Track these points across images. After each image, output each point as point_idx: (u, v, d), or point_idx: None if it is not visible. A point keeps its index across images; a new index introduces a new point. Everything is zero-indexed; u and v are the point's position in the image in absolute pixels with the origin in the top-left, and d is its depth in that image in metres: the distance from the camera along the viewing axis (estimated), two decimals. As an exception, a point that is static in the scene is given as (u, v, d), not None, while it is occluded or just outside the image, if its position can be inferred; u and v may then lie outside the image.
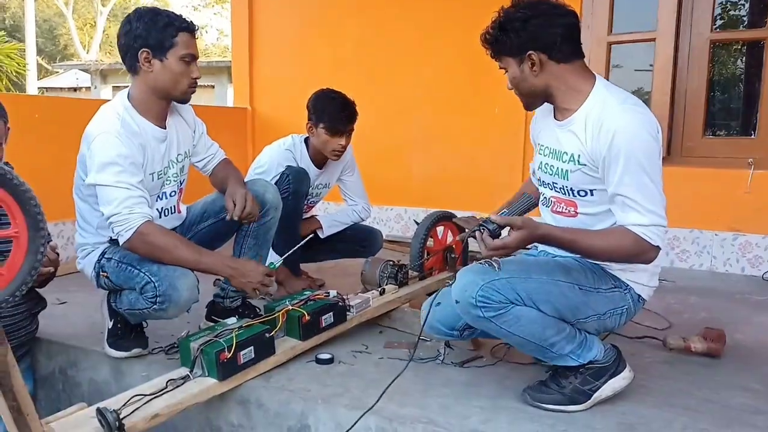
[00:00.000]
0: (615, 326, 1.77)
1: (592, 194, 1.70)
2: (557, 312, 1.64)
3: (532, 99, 1.76)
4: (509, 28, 1.66)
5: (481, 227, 1.56)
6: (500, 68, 1.77)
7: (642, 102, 1.68)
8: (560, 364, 1.70)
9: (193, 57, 1.98)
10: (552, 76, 1.68)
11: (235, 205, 2.05)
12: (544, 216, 1.85)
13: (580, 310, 1.67)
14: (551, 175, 1.78)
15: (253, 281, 1.95)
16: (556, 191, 1.79)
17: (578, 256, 1.68)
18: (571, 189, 1.74)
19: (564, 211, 1.77)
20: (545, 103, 1.82)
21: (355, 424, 1.62)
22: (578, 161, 1.68)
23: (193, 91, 2.05)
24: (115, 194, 1.85)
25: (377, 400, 1.64)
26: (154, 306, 1.84)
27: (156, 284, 1.83)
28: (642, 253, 1.58)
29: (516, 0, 1.70)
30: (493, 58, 1.75)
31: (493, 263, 1.59)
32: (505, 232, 1.57)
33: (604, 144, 1.59)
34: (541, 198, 1.88)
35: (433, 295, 1.95)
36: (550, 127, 1.80)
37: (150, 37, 1.92)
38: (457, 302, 1.64)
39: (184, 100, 2.07)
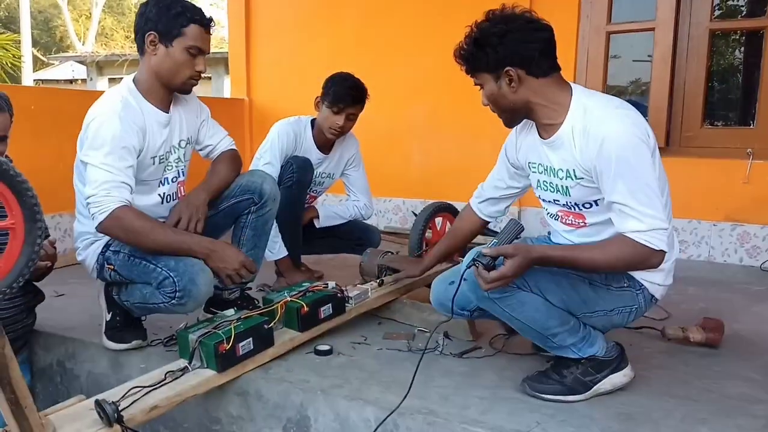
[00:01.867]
0: (622, 324, 1.77)
1: (596, 204, 1.67)
2: (564, 303, 1.64)
3: (511, 115, 1.72)
4: (485, 43, 1.62)
5: (475, 262, 1.53)
6: (476, 84, 1.73)
7: (626, 103, 1.64)
8: (560, 354, 1.70)
9: (200, 51, 1.99)
10: (531, 92, 1.64)
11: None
12: (556, 229, 1.83)
13: (587, 304, 1.67)
14: (552, 192, 1.76)
15: (228, 267, 1.92)
16: (560, 206, 1.77)
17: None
18: (575, 204, 1.71)
19: (573, 223, 1.76)
20: (517, 131, 1.83)
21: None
22: (575, 176, 1.65)
23: (195, 84, 2.06)
24: (97, 175, 1.85)
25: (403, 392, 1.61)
26: (173, 301, 1.84)
27: (175, 279, 1.83)
28: (645, 259, 1.55)
29: (490, 13, 1.65)
30: (469, 74, 1.72)
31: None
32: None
33: (593, 152, 1.56)
34: (546, 214, 1.86)
35: (444, 273, 1.94)
36: (536, 145, 1.76)
37: (159, 22, 1.93)
38: (465, 279, 1.61)
39: (184, 91, 2.07)
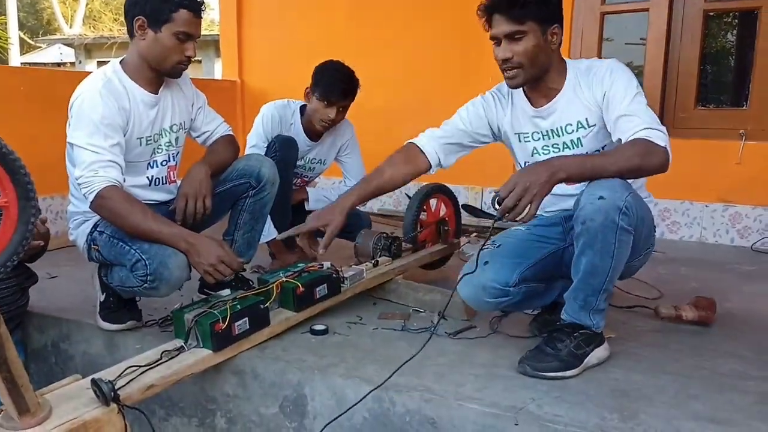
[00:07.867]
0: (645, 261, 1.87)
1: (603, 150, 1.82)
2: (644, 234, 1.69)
3: (536, 73, 1.78)
4: None
5: (495, 202, 1.54)
6: (507, 34, 1.69)
7: None
8: (579, 320, 1.70)
9: (189, 36, 1.95)
10: (556, 54, 1.79)
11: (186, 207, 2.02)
12: (557, 193, 1.80)
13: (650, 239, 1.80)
14: (559, 151, 1.85)
15: (204, 262, 1.84)
16: None
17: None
18: (586, 153, 1.81)
19: None
20: (497, 98, 1.95)
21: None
22: (587, 124, 1.80)
23: (184, 68, 2.04)
24: (84, 156, 1.84)
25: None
26: (145, 284, 1.83)
27: (147, 262, 1.80)
28: (651, 152, 1.57)
29: None
30: (514, 19, 1.67)
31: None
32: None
33: (605, 82, 1.73)
34: None
35: (472, 261, 1.82)
36: (526, 116, 1.89)
37: (148, 5, 1.90)
38: (601, 198, 1.55)
39: (173, 75, 2.04)
